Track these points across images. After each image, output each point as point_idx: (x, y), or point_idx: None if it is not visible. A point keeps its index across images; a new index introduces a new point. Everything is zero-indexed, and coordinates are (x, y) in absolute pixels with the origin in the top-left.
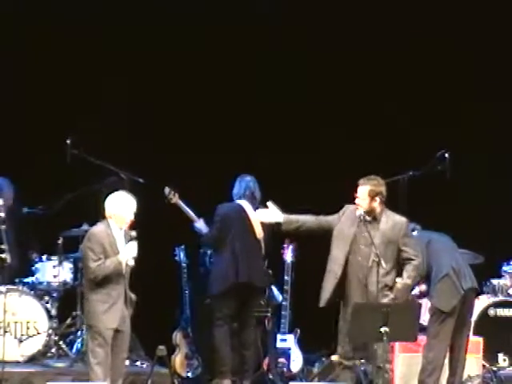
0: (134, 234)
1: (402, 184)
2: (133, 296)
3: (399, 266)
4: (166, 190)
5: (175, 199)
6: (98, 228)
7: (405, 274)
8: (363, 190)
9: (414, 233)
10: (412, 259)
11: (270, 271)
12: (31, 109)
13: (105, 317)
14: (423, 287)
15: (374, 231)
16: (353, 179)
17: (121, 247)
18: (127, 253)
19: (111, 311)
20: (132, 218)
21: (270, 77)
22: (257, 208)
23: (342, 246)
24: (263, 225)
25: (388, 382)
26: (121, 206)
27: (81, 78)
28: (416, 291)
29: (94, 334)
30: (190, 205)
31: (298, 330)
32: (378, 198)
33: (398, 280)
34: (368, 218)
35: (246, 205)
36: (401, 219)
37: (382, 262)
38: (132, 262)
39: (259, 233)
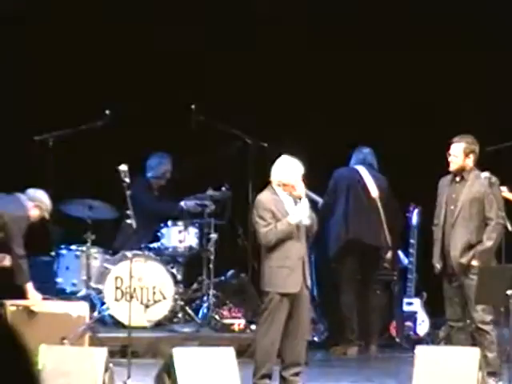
0: (304, 193)
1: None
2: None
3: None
4: None
5: None
6: (264, 195)
7: (485, 236)
8: (458, 147)
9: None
10: (491, 219)
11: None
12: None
13: (287, 282)
14: None
15: (460, 191)
16: None
17: (291, 211)
18: (297, 214)
19: (293, 275)
20: (297, 181)
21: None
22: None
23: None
24: (382, 189)
25: (491, 342)
26: (285, 173)
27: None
28: None
29: (272, 301)
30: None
31: (425, 294)
32: (471, 156)
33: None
34: (457, 179)
35: (362, 169)
36: (492, 178)
37: (465, 221)
38: (307, 222)
39: (375, 194)
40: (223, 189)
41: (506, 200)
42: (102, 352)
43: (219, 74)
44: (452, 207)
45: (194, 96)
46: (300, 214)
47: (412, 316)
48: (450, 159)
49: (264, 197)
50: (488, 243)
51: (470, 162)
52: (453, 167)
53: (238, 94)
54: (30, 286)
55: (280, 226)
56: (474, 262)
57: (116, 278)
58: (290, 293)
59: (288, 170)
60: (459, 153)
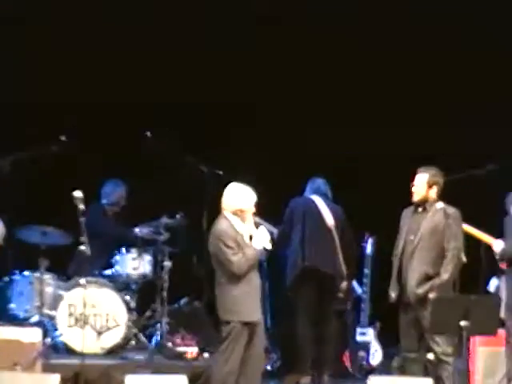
0: (257, 219)
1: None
2: None
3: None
4: None
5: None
6: (223, 223)
7: (442, 269)
8: (422, 178)
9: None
10: (448, 250)
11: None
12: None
13: (250, 310)
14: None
15: (421, 222)
16: None
17: (247, 239)
18: (260, 239)
19: (254, 303)
20: (253, 207)
21: None
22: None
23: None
24: (337, 218)
25: (451, 374)
26: (242, 200)
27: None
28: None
29: (233, 330)
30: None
31: (378, 324)
32: (435, 187)
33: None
34: (419, 210)
35: (317, 199)
36: (449, 209)
37: (423, 251)
38: (269, 246)
39: (330, 223)
40: (177, 216)
41: (466, 232)
42: (55, 378)
43: (174, 97)
44: (412, 237)
45: (149, 123)
46: (262, 239)
47: (365, 346)
48: (413, 190)
49: (225, 225)
50: (444, 276)
51: (433, 193)
52: (415, 198)
53: (192, 121)
54: None
55: (248, 253)
56: (432, 295)
57: (69, 304)
58: (252, 321)
59: (244, 196)
60: (422, 184)
